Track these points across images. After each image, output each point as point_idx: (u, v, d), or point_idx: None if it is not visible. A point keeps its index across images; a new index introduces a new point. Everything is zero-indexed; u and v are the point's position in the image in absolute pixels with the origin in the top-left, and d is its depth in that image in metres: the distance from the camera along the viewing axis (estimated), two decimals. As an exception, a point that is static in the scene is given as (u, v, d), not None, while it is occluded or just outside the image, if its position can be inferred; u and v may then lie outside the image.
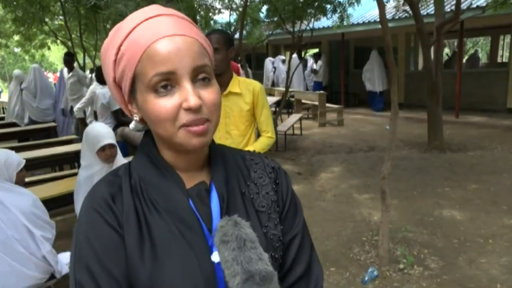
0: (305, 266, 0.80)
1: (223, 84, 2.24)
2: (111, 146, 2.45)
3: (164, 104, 0.65)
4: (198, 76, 0.67)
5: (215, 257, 0.70)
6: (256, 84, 2.33)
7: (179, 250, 0.68)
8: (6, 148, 5.27)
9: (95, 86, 5.12)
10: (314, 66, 12.42)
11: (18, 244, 2.05)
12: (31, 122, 6.87)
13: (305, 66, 12.81)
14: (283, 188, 0.83)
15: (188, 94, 0.64)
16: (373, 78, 11.03)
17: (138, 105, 0.70)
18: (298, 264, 0.79)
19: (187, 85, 0.65)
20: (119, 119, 4.71)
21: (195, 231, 0.70)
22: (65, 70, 6.98)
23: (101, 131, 2.47)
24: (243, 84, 2.29)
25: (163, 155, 0.74)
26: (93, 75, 6.35)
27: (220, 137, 2.26)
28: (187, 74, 0.65)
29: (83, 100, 5.25)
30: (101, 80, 4.87)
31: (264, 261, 0.65)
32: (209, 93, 0.67)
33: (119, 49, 0.67)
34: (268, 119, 2.38)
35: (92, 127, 2.55)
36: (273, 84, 12.38)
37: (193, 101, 0.64)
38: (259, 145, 2.37)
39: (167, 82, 0.65)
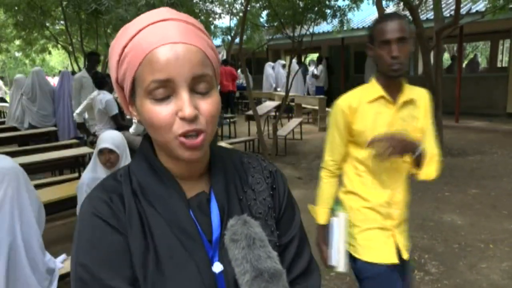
0: (304, 266, 0.80)
1: (396, 89, 1.62)
2: (109, 151, 2.47)
3: (159, 111, 0.64)
4: (198, 86, 0.65)
5: (216, 267, 0.70)
6: (424, 90, 1.72)
7: (181, 260, 0.68)
8: (6, 152, 5.29)
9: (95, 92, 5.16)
10: (315, 71, 12.49)
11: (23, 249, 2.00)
12: (31, 127, 6.84)
13: (305, 70, 12.86)
14: (280, 192, 0.82)
15: (183, 104, 0.63)
16: (366, 81, 11.59)
17: (137, 110, 0.70)
18: (296, 265, 0.79)
19: (183, 94, 0.64)
20: (119, 124, 4.72)
21: (196, 242, 0.69)
22: (67, 73, 6.94)
23: (105, 136, 2.51)
24: (412, 90, 1.67)
25: (162, 160, 0.73)
26: None
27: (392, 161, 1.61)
28: (184, 83, 0.64)
29: (82, 105, 5.27)
30: (98, 85, 4.89)
31: (273, 259, 0.67)
32: (207, 104, 0.66)
33: (123, 50, 0.67)
34: (434, 134, 1.73)
35: (105, 131, 2.61)
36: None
37: (187, 111, 0.63)
38: (432, 168, 1.60)
39: (164, 90, 0.64)
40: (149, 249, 0.68)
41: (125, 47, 0.67)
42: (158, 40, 0.64)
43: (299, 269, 0.79)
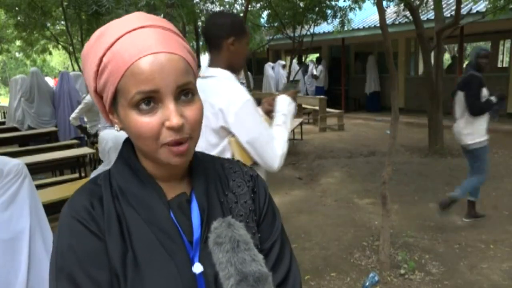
0: (284, 273, 0.80)
1: None
2: None
3: (146, 122, 0.64)
4: (182, 94, 0.66)
5: (196, 268, 0.70)
6: None
7: (160, 261, 0.68)
8: (7, 152, 5.28)
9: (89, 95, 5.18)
10: (314, 71, 12.49)
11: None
12: (30, 129, 6.82)
13: (305, 71, 12.87)
14: (260, 196, 0.83)
15: (170, 114, 0.64)
16: (367, 81, 11.78)
17: (119, 118, 0.69)
18: (277, 271, 0.79)
19: (170, 104, 0.64)
20: None
21: (176, 243, 0.70)
22: (70, 74, 6.94)
23: (119, 143, 2.51)
24: None
25: (143, 163, 0.74)
26: None
27: None
28: (170, 93, 0.64)
29: (78, 109, 5.28)
30: None
31: (258, 262, 0.66)
32: (191, 111, 0.67)
33: (101, 60, 0.66)
34: None
35: (116, 135, 2.59)
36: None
37: (175, 121, 0.64)
38: None
39: (149, 100, 0.64)
40: (127, 251, 0.68)
41: (103, 56, 0.65)
42: (140, 50, 0.63)
43: (281, 274, 0.79)
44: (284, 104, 1.83)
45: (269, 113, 1.88)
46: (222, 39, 1.68)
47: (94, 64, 0.67)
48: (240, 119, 1.59)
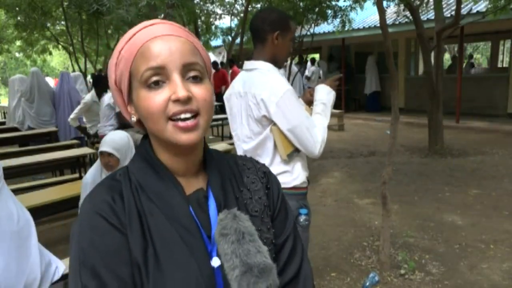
0: (296, 268, 0.82)
1: None
2: (109, 154, 2.47)
3: (154, 97, 0.68)
4: (189, 73, 0.70)
5: (215, 262, 0.71)
6: None
7: (181, 256, 0.69)
8: (7, 152, 5.28)
9: (92, 94, 5.17)
10: (306, 73, 12.45)
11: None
12: (30, 129, 6.81)
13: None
14: (274, 192, 0.85)
15: (176, 87, 0.67)
16: (367, 81, 11.83)
17: (134, 105, 0.73)
18: (289, 267, 0.81)
19: (176, 78, 0.68)
20: (122, 121, 4.72)
21: (195, 237, 0.71)
22: (70, 74, 6.94)
23: (107, 138, 2.50)
24: None
25: (160, 157, 0.76)
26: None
27: None
28: (176, 69, 0.68)
29: (77, 109, 5.27)
30: (106, 86, 4.89)
31: (262, 253, 0.67)
32: (199, 89, 0.70)
33: (119, 53, 0.73)
34: None
35: (111, 132, 2.61)
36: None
37: (181, 93, 0.67)
38: None
39: (158, 77, 0.68)
40: (148, 246, 0.69)
41: (121, 50, 0.73)
42: (150, 35, 0.70)
43: (293, 270, 0.81)
44: (323, 93, 1.89)
45: (310, 103, 1.93)
46: (267, 33, 1.76)
47: (114, 57, 0.74)
48: (281, 109, 1.67)
